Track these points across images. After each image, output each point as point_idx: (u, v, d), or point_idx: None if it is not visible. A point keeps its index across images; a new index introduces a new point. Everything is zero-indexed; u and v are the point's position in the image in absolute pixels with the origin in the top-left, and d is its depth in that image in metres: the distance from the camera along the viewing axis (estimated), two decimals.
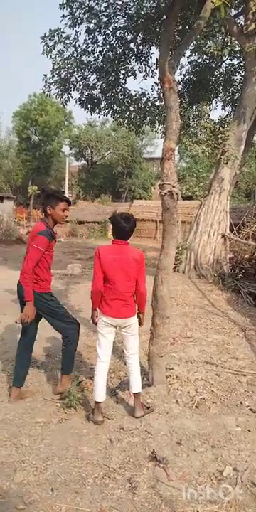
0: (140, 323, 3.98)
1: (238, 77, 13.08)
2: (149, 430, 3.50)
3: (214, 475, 2.98)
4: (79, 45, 10.72)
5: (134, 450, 3.21)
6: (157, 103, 12.12)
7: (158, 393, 4.13)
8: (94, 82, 11.29)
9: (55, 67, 10.61)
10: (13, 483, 2.81)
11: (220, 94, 13.71)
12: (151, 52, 11.22)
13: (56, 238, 4.18)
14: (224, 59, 12.55)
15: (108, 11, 10.27)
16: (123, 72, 11.33)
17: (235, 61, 12.92)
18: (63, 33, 10.26)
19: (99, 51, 11.00)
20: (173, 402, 4.02)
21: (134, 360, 3.88)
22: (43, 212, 4.08)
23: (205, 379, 4.51)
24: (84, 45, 10.79)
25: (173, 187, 4.00)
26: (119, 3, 10.08)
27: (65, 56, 10.60)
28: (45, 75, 10.80)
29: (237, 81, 13.16)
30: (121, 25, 10.58)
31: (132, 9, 10.28)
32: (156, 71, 11.59)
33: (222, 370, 4.77)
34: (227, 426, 3.61)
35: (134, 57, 11.27)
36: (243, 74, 12.18)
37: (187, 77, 13.23)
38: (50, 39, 10.24)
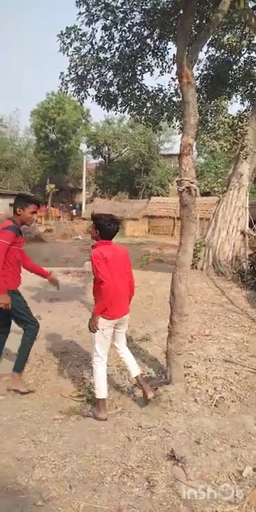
0: None
1: None
2: (167, 429, 3.47)
3: (233, 475, 2.93)
4: (95, 42, 10.67)
5: (152, 448, 3.19)
6: (174, 98, 11.98)
7: (177, 391, 4.09)
8: (110, 78, 11.22)
9: (72, 64, 10.60)
10: (31, 479, 2.83)
11: (239, 89, 13.49)
12: (167, 47, 11.08)
13: (23, 235, 4.37)
14: (242, 52, 12.32)
15: (124, 7, 10.19)
16: (140, 68, 11.23)
17: (253, 54, 12.68)
18: (80, 30, 10.24)
19: (116, 48, 10.94)
20: (192, 400, 3.98)
21: (127, 349, 4.11)
22: (13, 212, 4.29)
23: (224, 377, 4.45)
24: (101, 42, 10.73)
25: (192, 183, 3.94)
26: None
27: (81, 53, 10.58)
28: (62, 73, 10.81)
29: None
30: (138, 21, 10.48)
31: (149, 4, 10.17)
32: (173, 66, 11.48)
33: (242, 369, 4.70)
34: (246, 425, 3.55)
35: (150, 52, 11.15)
36: None
37: (205, 72, 13.05)
38: (66, 37, 10.24)
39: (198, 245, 11.75)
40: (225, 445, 3.27)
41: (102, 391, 3.75)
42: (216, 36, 11.43)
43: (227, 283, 10.15)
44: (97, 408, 3.76)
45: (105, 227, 3.81)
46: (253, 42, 12.18)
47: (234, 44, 11.16)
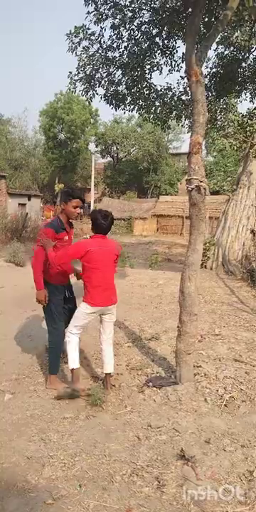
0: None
1: None
2: (177, 428, 3.46)
3: (244, 475, 2.91)
4: (104, 41, 10.64)
5: (162, 448, 3.18)
6: (183, 97, 11.91)
7: (186, 391, 4.07)
8: (119, 77, 11.20)
9: (81, 63, 10.59)
10: (41, 477, 2.84)
11: (248, 87, 13.37)
12: (176, 46, 10.99)
13: (67, 231, 4.39)
14: (252, 50, 12.22)
15: (133, 5, 10.15)
16: (148, 67, 11.18)
17: None
18: (88, 29, 10.23)
19: (125, 46, 10.90)
20: (202, 400, 3.96)
21: (110, 343, 4.30)
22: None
23: (234, 377, 4.42)
24: (110, 41, 10.71)
25: (201, 181, 3.92)
26: None
27: (90, 53, 10.57)
28: (70, 72, 10.82)
29: None
30: (147, 20, 10.43)
31: (157, 3, 10.12)
32: (182, 65, 11.41)
33: (252, 369, 4.66)
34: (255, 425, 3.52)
35: (159, 51, 11.09)
36: None
37: (214, 69, 12.97)
38: (75, 36, 10.24)
39: (208, 244, 11.70)
40: (236, 445, 3.25)
41: (72, 361, 4.06)
42: (225, 34, 11.35)
43: (237, 282, 10.09)
44: (72, 380, 4.10)
45: (98, 222, 4.04)
46: None
47: (243, 43, 11.08)
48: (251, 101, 13.56)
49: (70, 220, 4.43)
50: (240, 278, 10.47)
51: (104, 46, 10.59)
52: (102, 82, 11.18)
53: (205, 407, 3.83)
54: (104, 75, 11.17)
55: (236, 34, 11.02)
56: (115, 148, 43.62)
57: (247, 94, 13.42)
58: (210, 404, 3.88)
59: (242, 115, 11.34)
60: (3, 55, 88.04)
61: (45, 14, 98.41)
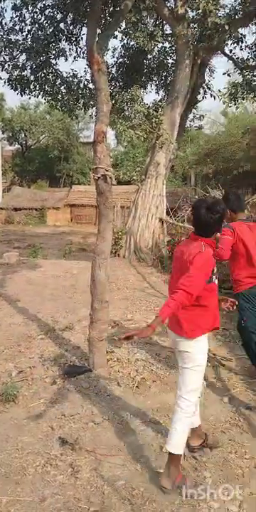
0: None
1: (170, 60, 13.25)
2: (92, 415, 3.52)
3: (155, 451, 3.08)
4: (5, 23, 10.19)
5: (76, 435, 3.22)
6: (90, 86, 11.94)
7: (99, 377, 4.15)
8: (23, 62, 10.84)
9: None
10: None
11: (154, 78, 13.81)
12: (82, 33, 10.99)
13: None
14: (156, 43, 12.61)
15: None
16: (54, 52, 10.99)
17: (167, 44, 13.05)
18: None
19: (28, 30, 10.56)
20: (115, 384, 4.07)
21: None
22: None
23: (145, 359, 4.62)
24: (11, 23, 10.28)
25: (107, 170, 3.98)
26: None
27: None
28: None
29: (170, 65, 13.32)
30: (50, 4, 10.22)
31: None
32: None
33: (162, 349, 4.91)
34: (166, 403, 3.73)
35: (64, 37, 10.96)
36: (175, 58, 12.35)
37: (120, 60, 13.16)
38: None
39: (120, 233, 11.93)
40: (147, 424, 3.42)
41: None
42: (130, 26, 11.51)
43: (149, 269, 10.48)
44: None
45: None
46: (166, 33, 12.54)
47: (145, 42, 11.30)
48: (156, 92, 14.05)
49: None
50: (151, 264, 10.89)
51: (6, 28, 10.13)
52: (5, 65, 10.69)
53: (118, 391, 3.94)
54: (8, 59, 10.70)
55: (140, 29, 11.18)
56: (23, 136, 41.96)
57: (153, 85, 13.88)
58: (122, 388, 4.00)
59: (148, 106, 11.66)
60: None
61: None
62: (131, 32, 11.05)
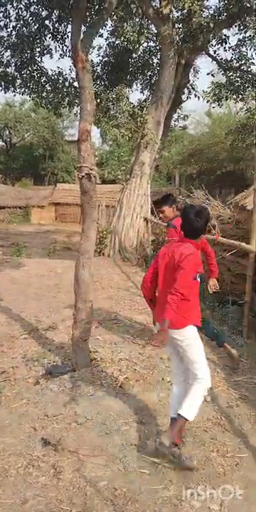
0: None
1: (155, 60, 13.28)
2: (75, 415, 3.50)
3: (138, 451, 3.08)
4: None
5: (59, 435, 3.20)
6: (75, 84, 11.87)
7: (83, 377, 4.13)
8: (8, 58, 10.70)
9: None
10: None
11: (139, 77, 13.83)
12: (67, 30, 10.90)
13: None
14: (141, 42, 12.62)
15: None
16: (39, 49, 10.89)
17: (152, 44, 13.08)
18: None
19: (13, 26, 10.44)
20: (98, 384, 4.06)
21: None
22: None
23: (128, 358, 4.62)
24: None
25: (91, 169, 3.96)
26: None
27: None
28: None
29: (154, 64, 13.36)
30: (35, 0, 10.11)
31: None
32: None
33: (145, 349, 4.92)
34: (149, 403, 3.74)
35: (49, 35, 10.87)
36: (159, 58, 12.39)
37: (106, 58, 13.13)
38: None
39: (105, 232, 11.93)
40: (130, 424, 3.42)
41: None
42: (116, 25, 11.51)
43: (133, 268, 10.49)
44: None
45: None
46: (151, 32, 12.57)
47: (132, 38, 11.33)
48: (141, 92, 14.08)
49: None
50: (136, 264, 10.91)
51: None
52: None
53: (101, 391, 3.93)
54: None
55: (125, 27, 11.21)
56: (8, 133, 41.47)
57: (138, 85, 13.90)
58: (106, 388, 3.99)
59: (133, 105, 11.67)
60: None
61: None
62: (118, 28, 11.03)
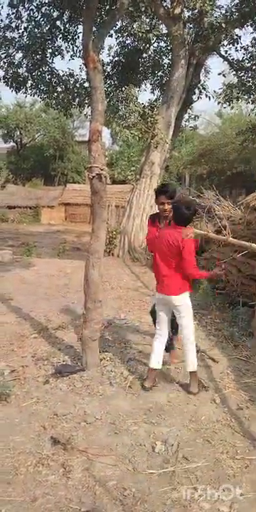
0: None
1: (166, 60, 13.26)
2: (84, 414, 3.51)
3: (147, 452, 3.07)
4: (1, 20, 10.14)
5: (68, 434, 3.21)
6: (86, 84, 11.90)
7: (92, 376, 4.14)
8: (19, 59, 10.78)
9: None
10: None
11: (149, 77, 13.81)
12: (78, 31, 10.96)
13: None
14: (152, 42, 12.61)
15: None
16: (50, 51, 10.95)
17: (162, 44, 13.05)
18: None
19: (24, 28, 10.52)
20: (107, 384, 4.07)
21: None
22: None
23: (137, 358, 4.62)
24: (8, 21, 10.23)
25: (101, 170, 3.97)
26: None
27: None
28: None
29: (165, 65, 13.34)
30: (47, 1, 10.17)
31: None
32: None
33: None
34: (158, 403, 3.73)
35: (60, 35, 10.92)
36: (170, 58, 12.36)
37: (116, 58, 13.14)
38: None
39: (114, 232, 11.93)
40: (139, 424, 3.41)
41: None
42: (125, 23, 11.52)
43: (142, 268, 10.49)
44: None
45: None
46: (162, 33, 12.54)
47: (140, 34, 11.32)
48: (152, 92, 14.06)
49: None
50: (145, 264, 10.90)
51: (2, 25, 10.08)
52: (1, 63, 10.64)
53: (111, 391, 3.94)
54: (3, 56, 10.64)
55: (135, 25, 11.21)
56: (19, 133, 41.76)
57: (148, 85, 13.88)
58: (115, 387, 4.00)
59: (144, 106, 11.66)
60: None
61: None
62: (127, 26, 11.02)
